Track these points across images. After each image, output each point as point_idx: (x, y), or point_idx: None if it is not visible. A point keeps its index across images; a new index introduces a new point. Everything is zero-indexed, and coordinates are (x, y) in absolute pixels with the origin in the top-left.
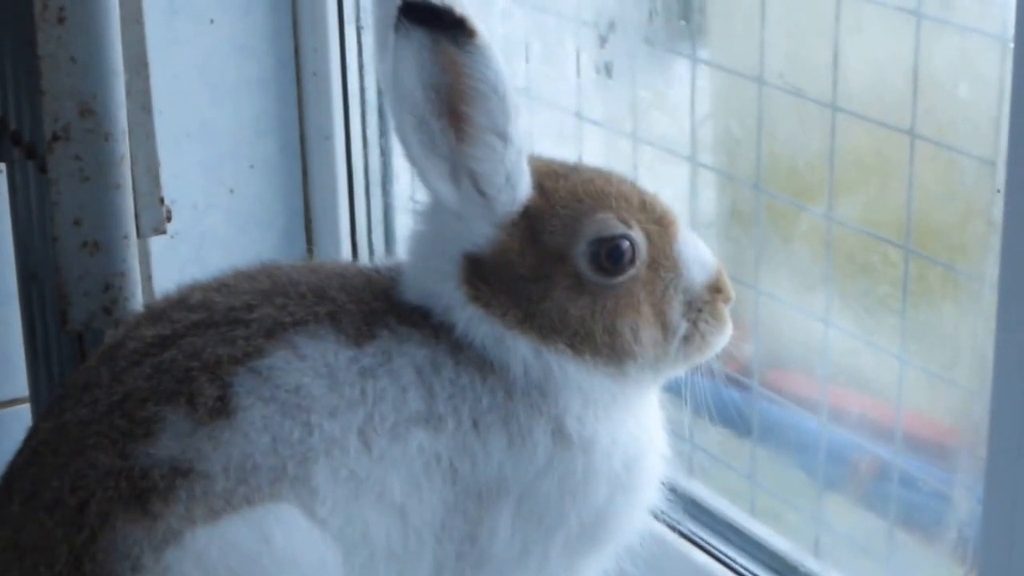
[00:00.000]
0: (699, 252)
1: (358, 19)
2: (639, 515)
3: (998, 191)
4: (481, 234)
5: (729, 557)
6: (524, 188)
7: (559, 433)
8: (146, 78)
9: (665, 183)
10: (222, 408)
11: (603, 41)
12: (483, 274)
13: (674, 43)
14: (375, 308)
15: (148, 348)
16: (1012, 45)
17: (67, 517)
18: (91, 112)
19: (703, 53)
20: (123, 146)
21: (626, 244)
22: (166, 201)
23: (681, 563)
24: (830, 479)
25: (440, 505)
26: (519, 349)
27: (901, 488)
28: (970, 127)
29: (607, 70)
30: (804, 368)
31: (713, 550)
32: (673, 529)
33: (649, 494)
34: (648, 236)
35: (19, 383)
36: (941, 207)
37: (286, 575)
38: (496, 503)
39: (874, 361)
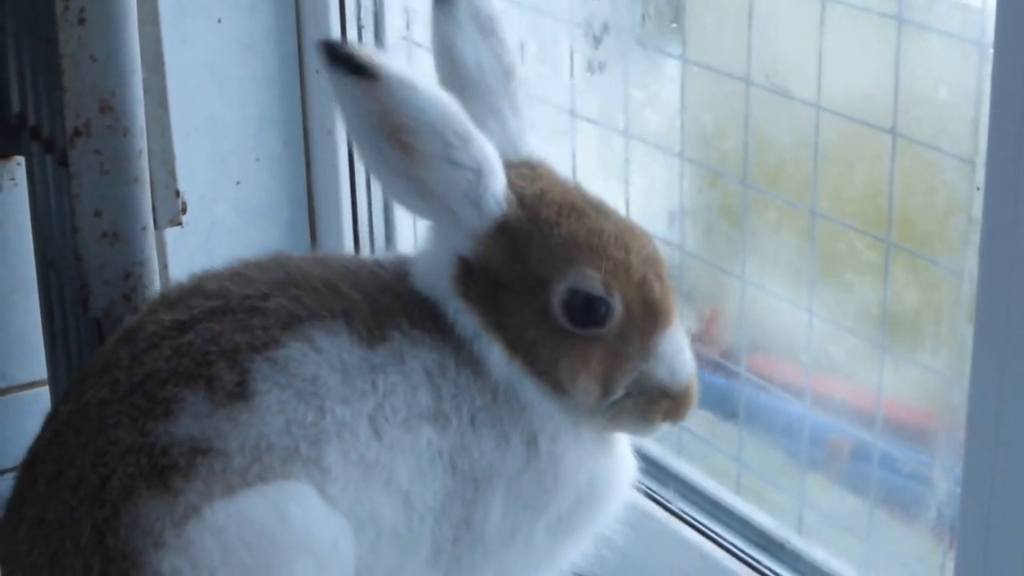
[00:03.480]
0: (678, 357)
1: (359, 18)
2: (606, 520)
3: (977, 189)
4: (463, 242)
5: (717, 534)
6: (493, 207)
7: (533, 445)
8: (162, 76)
9: (654, 177)
10: (240, 392)
11: (597, 42)
12: (472, 274)
13: (665, 45)
14: (385, 306)
15: (167, 331)
16: (991, 51)
17: (90, 493)
18: (110, 109)
19: (692, 54)
20: (141, 141)
21: (602, 308)
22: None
23: (671, 539)
24: (813, 461)
25: (441, 492)
26: (493, 351)
27: (882, 470)
28: (950, 127)
29: (600, 69)
30: (788, 355)
31: (702, 527)
32: (664, 507)
33: (614, 508)
34: (628, 312)
35: (38, 367)
36: (922, 203)
37: (301, 552)
38: (489, 490)
39: (856, 349)
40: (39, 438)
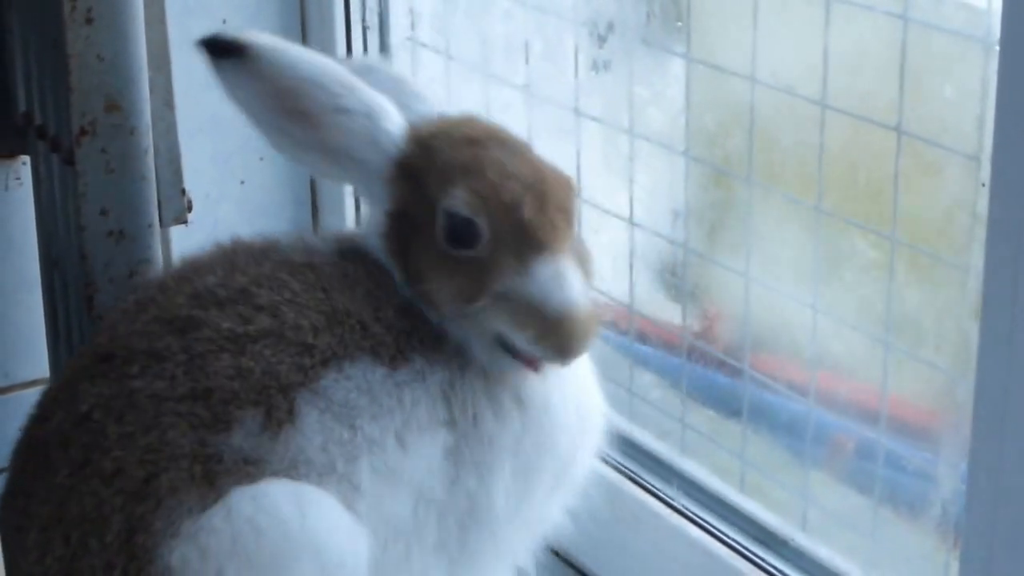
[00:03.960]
0: (553, 282)
1: (364, 19)
2: (591, 457)
3: (983, 185)
4: (380, 194)
5: (721, 531)
6: (391, 147)
7: (519, 400)
8: (168, 75)
9: (659, 175)
10: (289, 418)
11: (602, 41)
12: (399, 228)
13: (670, 43)
14: (404, 330)
15: (225, 341)
16: (997, 48)
17: (129, 487)
18: (117, 107)
19: (697, 53)
20: (147, 140)
21: (469, 228)
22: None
23: (675, 537)
24: (817, 459)
25: (448, 484)
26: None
27: (886, 468)
28: (955, 125)
29: (604, 68)
30: (792, 353)
31: (706, 524)
32: (668, 505)
33: (598, 438)
34: (497, 233)
35: (40, 365)
36: (927, 200)
37: (311, 555)
38: (491, 475)
39: (861, 346)
40: (46, 418)
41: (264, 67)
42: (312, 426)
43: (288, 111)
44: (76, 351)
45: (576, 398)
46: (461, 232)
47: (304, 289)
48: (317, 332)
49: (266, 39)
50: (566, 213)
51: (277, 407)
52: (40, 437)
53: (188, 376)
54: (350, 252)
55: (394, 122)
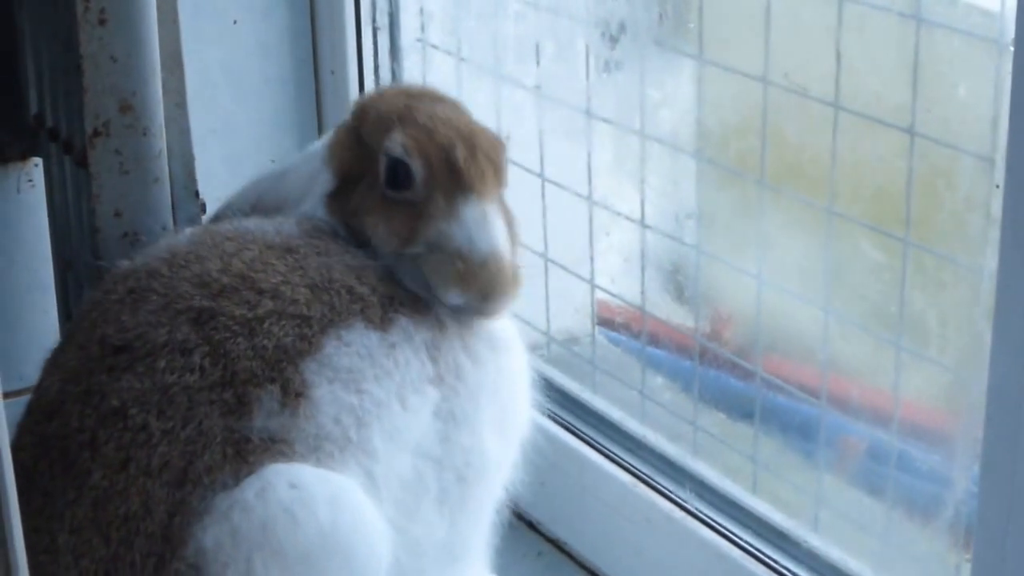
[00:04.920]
0: (479, 225)
1: (374, 20)
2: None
3: (997, 186)
4: (322, 181)
5: (734, 533)
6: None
7: (492, 344)
8: (181, 76)
9: (670, 177)
10: (304, 390)
11: (613, 43)
12: (345, 191)
13: (682, 45)
14: (386, 293)
15: (239, 327)
16: (1012, 49)
17: (173, 478)
18: (130, 109)
19: (709, 54)
20: (160, 141)
21: (405, 169)
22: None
23: (688, 539)
24: (829, 461)
25: (440, 441)
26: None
27: (898, 470)
28: (968, 126)
29: (616, 69)
30: (803, 355)
31: (719, 527)
32: (681, 507)
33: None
34: (431, 173)
35: None
36: (940, 201)
37: (340, 558)
38: (481, 426)
39: (872, 348)
40: (55, 413)
41: None
42: (324, 397)
43: None
44: (65, 339)
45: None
46: (397, 173)
47: (289, 268)
48: (310, 303)
49: None
50: (495, 165)
51: (290, 379)
52: (53, 434)
53: (214, 365)
54: (314, 231)
55: None
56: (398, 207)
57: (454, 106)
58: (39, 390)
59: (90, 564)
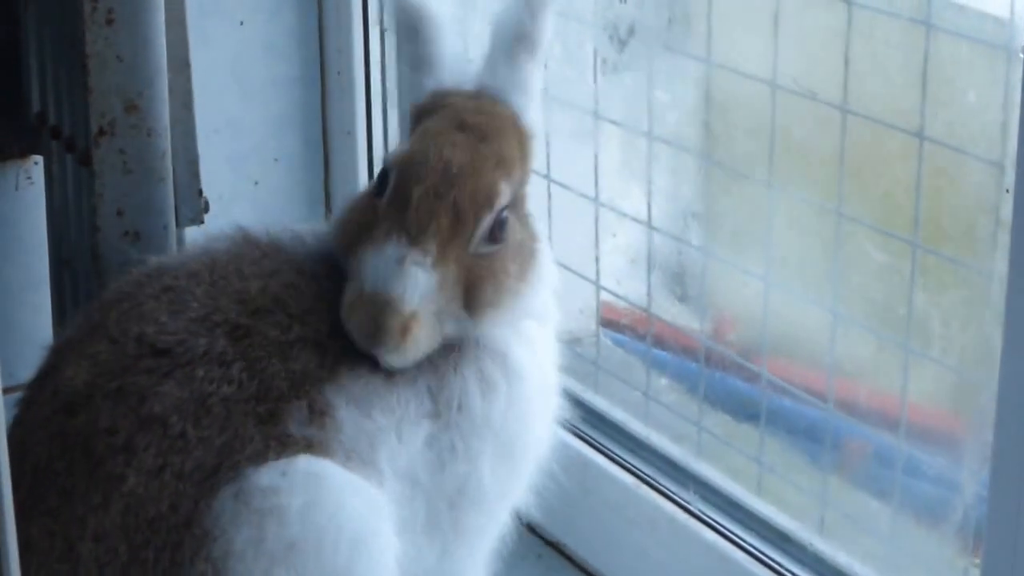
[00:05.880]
0: (385, 268)
1: (381, 21)
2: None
3: (1007, 191)
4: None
5: (739, 536)
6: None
7: (506, 369)
8: (187, 77)
9: (678, 179)
10: (327, 411)
11: (622, 45)
12: None
13: (690, 48)
14: None
15: (273, 348)
16: (1022, 55)
17: (202, 477)
18: (136, 108)
19: (718, 57)
20: (165, 141)
21: (383, 179)
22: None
23: (692, 541)
24: (835, 464)
25: (431, 470)
26: None
27: (906, 473)
28: (978, 131)
29: (624, 70)
30: (809, 357)
31: (723, 529)
32: (684, 509)
33: (557, 410)
34: (392, 193)
35: None
36: (949, 205)
37: (363, 541)
38: (480, 456)
39: (880, 351)
40: (79, 406)
41: None
42: (345, 417)
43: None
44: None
45: (543, 369)
46: (379, 178)
47: (316, 296)
48: (332, 335)
49: None
50: (462, 221)
51: (315, 400)
52: (78, 431)
53: (251, 380)
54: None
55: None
56: (367, 209)
57: (476, 139)
58: (57, 378)
59: (113, 572)
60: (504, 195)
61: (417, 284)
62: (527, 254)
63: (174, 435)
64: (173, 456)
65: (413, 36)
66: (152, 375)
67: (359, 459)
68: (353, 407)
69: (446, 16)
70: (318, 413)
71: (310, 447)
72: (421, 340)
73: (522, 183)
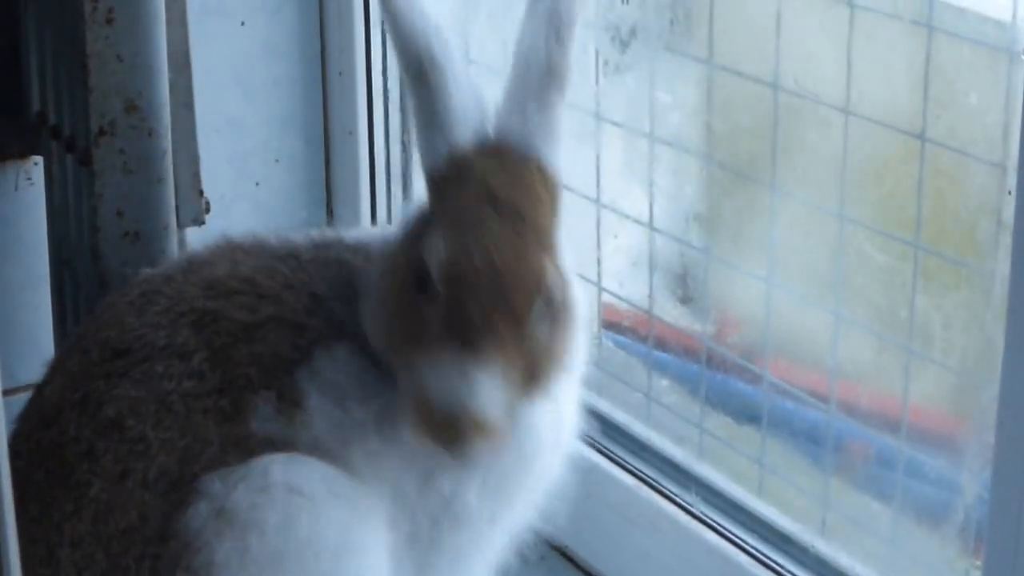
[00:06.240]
0: (459, 382)
1: (384, 21)
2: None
3: (1009, 193)
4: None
5: (740, 538)
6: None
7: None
8: (188, 77)
9: (680, 180)
10: (298, 399)
11: (624, 46)
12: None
13: (692, 49)
14: None
15: (240, 332)
16: (1023, 57)
17: (167, 487)
18: (136, 108)
19: (720, 59)
20: (166, 141)
21: (427, 283)
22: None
23: (694, 543)
24: (837, 465)
25: (420, 485)
26: None
27: (907, 476)
28: (980, 133)
29: (626, 72)
30: (810, 359)
31: (725, 531)
32: (686, 511)
33: (566, 452)
34: (445, 302)
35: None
36: (951, 207)
37: (347, 547)
38: (468, 480)
39: (882, 353)
40: (53, 419)
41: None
42: (316, 408)
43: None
44: (74, 340)
45: (556, 419)
46: (416, 274)
47: (295, 271)
48: (309, 313)
49: None
50: (516, 318)
51: (286, 387)
52: (51, 442)
53: (213, 371)
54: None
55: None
56: (413, 312)
57: (527, 216)
58: (40, 394)
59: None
60: (549, 271)
61: (490, 394)
62: (567, 310)
63: (133, 438)
64: (134, 462)
65: (421, 87)
66: (109, 379)
67: (331, 456)
68: (325, 398)
69: (455, 61)
70: (288, 402)
71: (273, 446)
72: (504, 426)
73: (557, 234)
